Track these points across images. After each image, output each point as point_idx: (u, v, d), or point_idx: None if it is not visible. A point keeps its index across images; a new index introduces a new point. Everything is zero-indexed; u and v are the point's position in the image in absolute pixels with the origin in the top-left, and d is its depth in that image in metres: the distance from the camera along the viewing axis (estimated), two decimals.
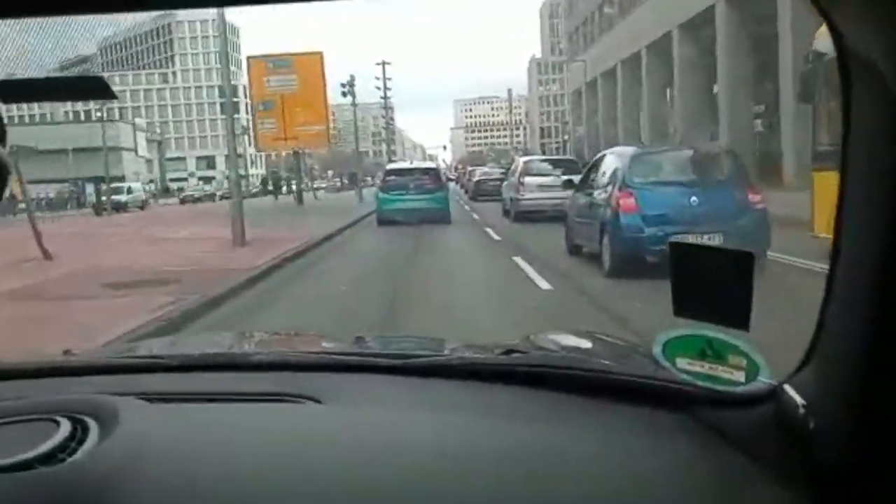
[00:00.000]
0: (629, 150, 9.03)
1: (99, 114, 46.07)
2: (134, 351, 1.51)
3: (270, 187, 45.81)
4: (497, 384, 1.00)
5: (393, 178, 17.37)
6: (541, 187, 15.12)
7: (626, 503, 0.75)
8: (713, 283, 0.72)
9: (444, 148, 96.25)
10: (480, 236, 13.83)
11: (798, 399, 0.73)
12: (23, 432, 0.79)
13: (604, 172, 8.92)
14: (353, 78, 42.14)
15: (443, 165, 62.03)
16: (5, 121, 0.61)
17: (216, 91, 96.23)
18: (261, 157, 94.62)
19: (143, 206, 39.68)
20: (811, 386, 0.72)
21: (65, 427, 0.80)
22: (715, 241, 7.08)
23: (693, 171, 8.00)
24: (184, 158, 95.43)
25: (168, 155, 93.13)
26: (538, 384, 0.99)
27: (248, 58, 31.42)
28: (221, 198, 48.92)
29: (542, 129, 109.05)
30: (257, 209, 20.88)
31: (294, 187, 41.14)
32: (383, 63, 46.33)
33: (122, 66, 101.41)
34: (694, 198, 7.60)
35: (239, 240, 12.65)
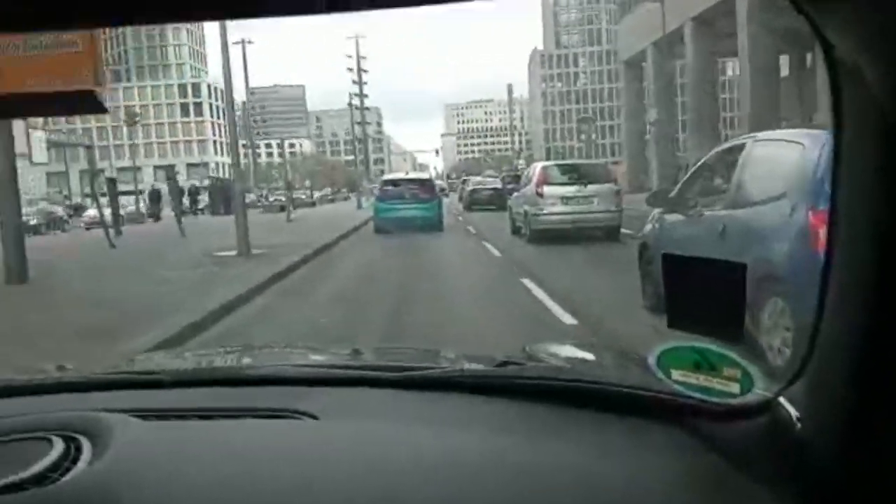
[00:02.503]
0: (816, 132, 4.88)
1: None
2: (129, 366, 1.56)
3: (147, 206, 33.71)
4: (493, 397, 1.05)
5: (389, 187, 19.12)
6: (564, 199, 13.20)
7: None
8: (707, 296, 0.76)
9: (437, 153, 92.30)
10: (499, 276, 9.87)
11: (792, 411, 0.78)
12: (15, 452, 0.83)
13: (753, 175, 4.95)
14: None
15: (433, 174, 58.63)
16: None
17: (175, 90, 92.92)
18: (223, 165, 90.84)
19: None
20: (805, 398, 0.76)
21: (58, 446, 0.83)
22: None
23: None
24: (139, 168, 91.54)
25: (121, 164, 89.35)
26: (533, 397, 1.03)
27: None
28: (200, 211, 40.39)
29: (545, 130, 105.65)
30: None
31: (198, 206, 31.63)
32: (356, 38, 40.88)
33: None
34: None
35: None
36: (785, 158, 4.64)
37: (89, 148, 35.21)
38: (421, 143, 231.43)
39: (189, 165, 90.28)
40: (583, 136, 74.38)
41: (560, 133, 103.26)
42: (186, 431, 0.98)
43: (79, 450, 0.83)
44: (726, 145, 5.94)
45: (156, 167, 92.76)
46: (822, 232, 3.60)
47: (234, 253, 12.71)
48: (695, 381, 0.83)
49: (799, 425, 0.76)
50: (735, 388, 0.81)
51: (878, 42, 0.58)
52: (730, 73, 29.39)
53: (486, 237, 14.99)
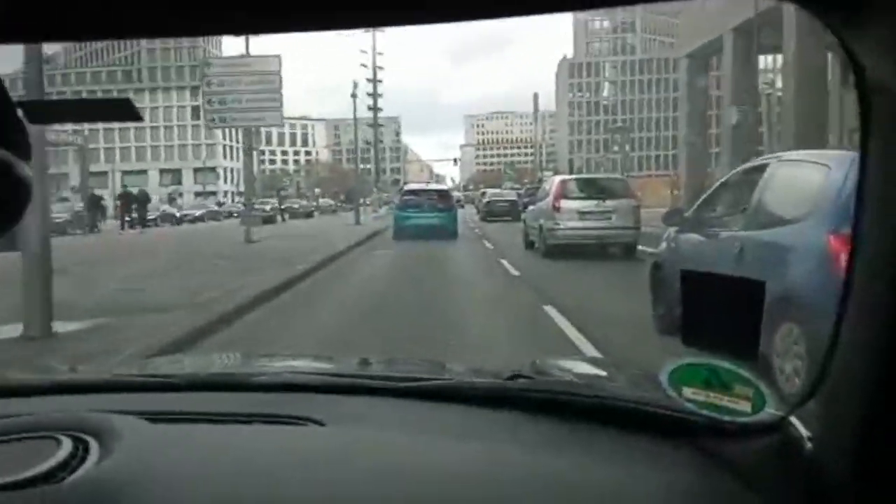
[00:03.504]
0: (841, 153, 4.92)
1: None
2: (139, 369, 1.62)
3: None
4: (501, 410, 1.08)
5: (409, 197, 21.23)
6: (581, 214, 13.38)
7: None
8: (723, 313, 0.80)
9: (455, 162, 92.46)
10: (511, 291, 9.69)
11: (803, 431, 0.82)
12: (25, 450, 0.88)
13: (774, 195, 4.93)
14: None
15: (450, 184, 58.65)
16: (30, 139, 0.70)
17: (187, 92, 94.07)
18: (232, 170, 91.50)
19: None
20: (817, 418, 0.80)
21: (66, 445, 0.88)
22: None
23: None
24: (144, 171, 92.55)
25: (127, 167, 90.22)
26: (542, 411, 1.06)
27: None
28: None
29: (570, 142, 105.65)
30: None
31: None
32: (373, 31, 39.80)
33: (85, 63, 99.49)
34: None
35: None
36: (809, 180, 4.60)
37: (81, 148, 34.36)
38: (439, 155, 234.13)
39: (196, 170, 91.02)
40: (616, 148, 73.36)
41: (587, 145, 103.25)
42: (195, 435, 1.01)
43: (87, 450, 0.88)
44: (749, 165, 5.93)
45: (161, 171, 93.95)
46: (844, 256, 3.59)
47: (15, 333, 6.32)
48: (706, 399, 0.85)
49: (810, 445, 0.79)
50: (746, 406, 0.83)
51: None
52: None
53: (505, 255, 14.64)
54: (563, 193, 13.86)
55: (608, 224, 13.22)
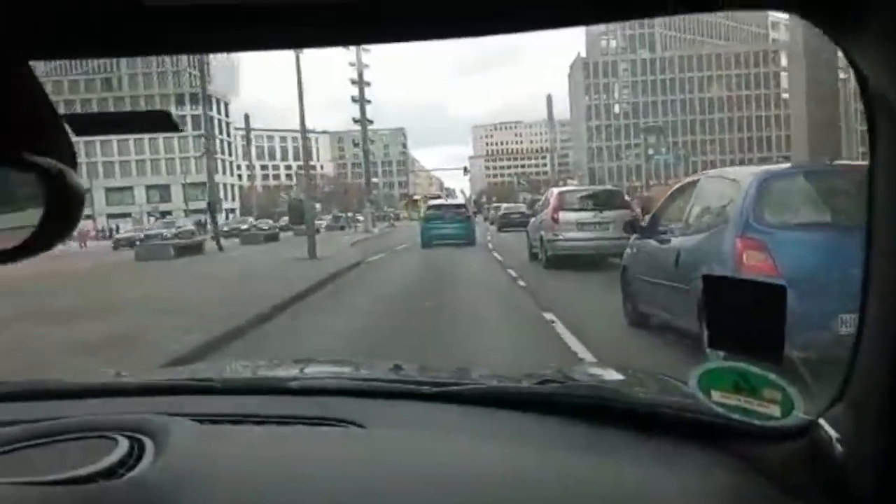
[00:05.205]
0: (750, 170, 6.58)
1: None
2: (184, 374, 1.82)
3: None
4: (533, 413, 1.20)
5: (433, 211, 28.12)
6: (580, 225, 15.13)
7: None
8: (747, 317, 0.85)
9: (466, 171, 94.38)
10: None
11: (832, 433, 0.87)
12: (84, 448, 0.99)
13: (701, 207, 6.49)
14: None
15: (461, 198, 60.49)
16: (76, 150, 0.77)
17: (172, 100, 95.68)
18: (228, 186, 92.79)
19: None
20: (846, 420, 0.86)
21: (123, 444, 0.99)
22: None
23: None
24: (130, 188, 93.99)
25: (111, 184, 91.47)
26: (573, 415, 1.17)
27: None
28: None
29: (590, 149, 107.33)
30: None
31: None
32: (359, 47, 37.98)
33: (62, 72, 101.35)
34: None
35: None
36: (725, 193, 6.21)
37: None
38: (448, 166, 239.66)
39: (186, 186, 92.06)
40: (650, 150, 72.25)
41: (605, 153, 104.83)
42: (241, 435, 1.15)
43: (142, 449, 0.99)
44: (687, 180, 7.72)
45: (148, 187, 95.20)
46: (746, 256, 5.32)
47: None
48: (735, 403, 0.91)
49: (839, 448, 0.85)
50: (775, 409, 0.88)
51: None
52: None
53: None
54: (561, 205, 15.54)
55: (606, 234, 14.56)
